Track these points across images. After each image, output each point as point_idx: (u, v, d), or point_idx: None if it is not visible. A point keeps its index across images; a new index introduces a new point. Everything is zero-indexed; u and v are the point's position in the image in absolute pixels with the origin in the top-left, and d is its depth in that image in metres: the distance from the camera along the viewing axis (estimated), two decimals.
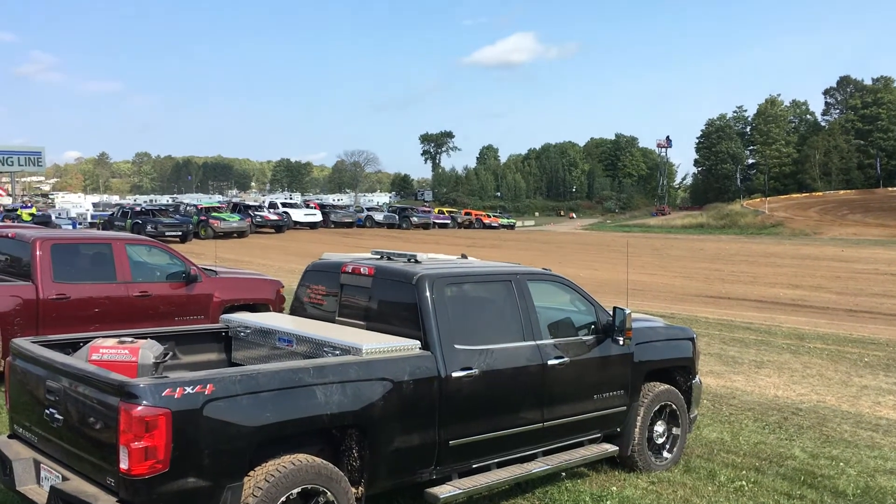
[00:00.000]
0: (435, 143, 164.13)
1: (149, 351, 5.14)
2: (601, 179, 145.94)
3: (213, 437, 4.24)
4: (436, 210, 77.97)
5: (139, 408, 4.03)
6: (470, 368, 5.39)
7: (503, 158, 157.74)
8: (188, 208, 49.12)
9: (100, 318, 9.18)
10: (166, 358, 5.33)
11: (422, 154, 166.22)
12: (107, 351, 5.08)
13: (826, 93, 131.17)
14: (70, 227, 52.23)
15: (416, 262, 5.94)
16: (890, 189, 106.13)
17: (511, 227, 78.51)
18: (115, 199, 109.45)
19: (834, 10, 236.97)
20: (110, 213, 48.91)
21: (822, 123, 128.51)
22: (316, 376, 4.69)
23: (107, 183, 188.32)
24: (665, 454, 7.04)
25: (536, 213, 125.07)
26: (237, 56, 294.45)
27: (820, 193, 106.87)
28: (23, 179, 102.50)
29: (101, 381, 4.30)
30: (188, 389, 4.18)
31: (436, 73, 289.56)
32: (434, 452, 5.25)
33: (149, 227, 36.31)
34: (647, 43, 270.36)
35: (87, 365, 4.70)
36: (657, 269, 31.50)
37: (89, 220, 58.68)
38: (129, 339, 5.29)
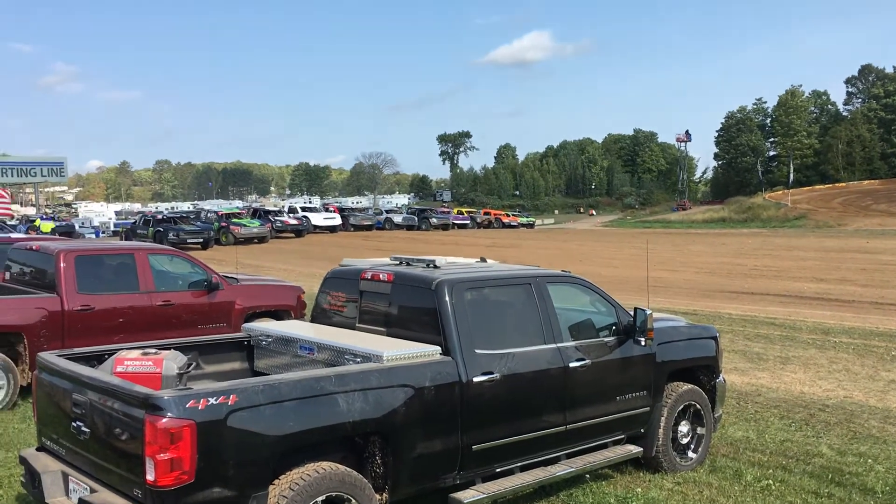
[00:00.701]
0: (452, 144, 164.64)
1: (172, 362, 5.19)
2: (620, 175, 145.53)
3: (237, 446, 4.27)
4: (455, 210, 78.02)
5: (164, 420, 4.07)
6: (491, 373, 5.39)
7: (521, 157, 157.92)
8: (209, 215, 49.47)
9: (124, 327, 9.28)
10: (190, 368, 5.38)
11: (440, 154, 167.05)
12: (131, 363, 5.14)
13: (848, 82, 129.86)
14: (93, 235, 52.85)
15: (435, 267, 5.95)
16: None
17: (531, 225, 78.37)
18: (137, 207, 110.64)
19: None
20: (133, 221, 49.42)
21: (844, 113, 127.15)
22: (338, 384, 4.71)
23: (128, 191, 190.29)
24: (690, 454, 7.00)
25: (556, 211, 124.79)
26: (253, 61, 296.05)
27: (843, 184, 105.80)
28: (46, 189, 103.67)
29: (126, 393, 4.35)
30: (212, 400, 4.21)
31: (452, 74, 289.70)
32: (457, 457, 5.26)
33: (171, 235, 36.65)
34: (663, 37, 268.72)
35: (112, 378, 4.76)
36: (678, 265, 31.31)
37: (112, 228, 59.38)
38: (153, 351, 5.34)
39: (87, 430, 4.61)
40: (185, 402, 4.14)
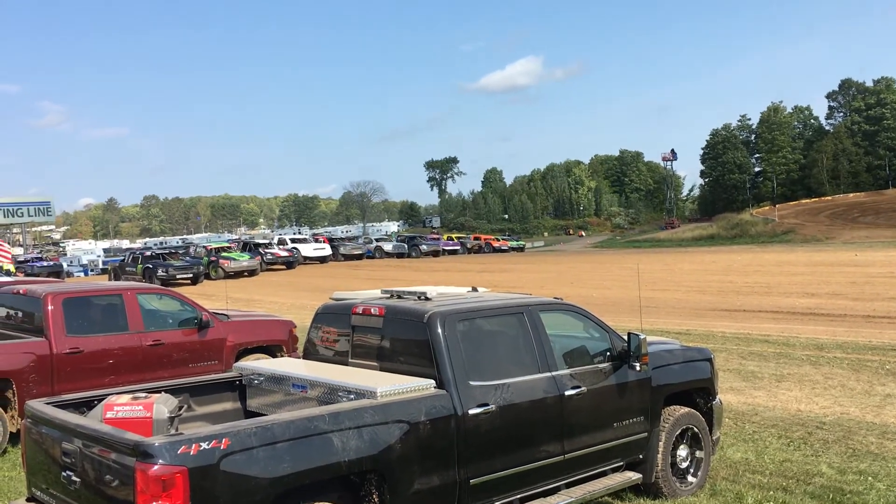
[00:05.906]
0: (440, 170, 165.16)
1: (163, 405, 5.11)
2: (608, 196, 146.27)
3: (230, 491, 4.20)
4: (444, 236, 78.11)
5: (155, 467, 4.00)
6: (486, 405, 5.34)
7: (508, 181, 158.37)
8: (198, 249, 49.28)
9: (114, 369, 9.19)
10: (181, 411, 5.31)
11: (427, 181, 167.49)
12: (121, 408, 5.06)
13: (829, 96, 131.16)
14: (81, 273, 52.50)
15: (427, 299, 5.91)
16: None
17: (521, 249, 78.52)
18: (125, 243, 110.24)
19: (829, 14, 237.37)
20: (121, 258, 49.17)
21: (827, 127, 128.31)
22: (332, 423, 4.65)
23: (116, 228, 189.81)
24: (689, 478, 6.94)
25: (545, 234, 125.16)
26: (239, 93, 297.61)
27: (829, 197, 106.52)
28: (34, 229, 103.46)
29: (116, 441, 4.28)
30: (204, 445, 4.15)
31: (439, 100, 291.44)
32: (455, 492, 5.19)
33: (160, 271, 36.50)
34: (647, 58, 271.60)
35: (101, 425, 4.68)
36: (670, 284, 31.32)
37: (100, 266, 59.11)
38: (143, 395, 5.26)
39: (77, 479, 4.52)
40: (176, 448, 4.07)
